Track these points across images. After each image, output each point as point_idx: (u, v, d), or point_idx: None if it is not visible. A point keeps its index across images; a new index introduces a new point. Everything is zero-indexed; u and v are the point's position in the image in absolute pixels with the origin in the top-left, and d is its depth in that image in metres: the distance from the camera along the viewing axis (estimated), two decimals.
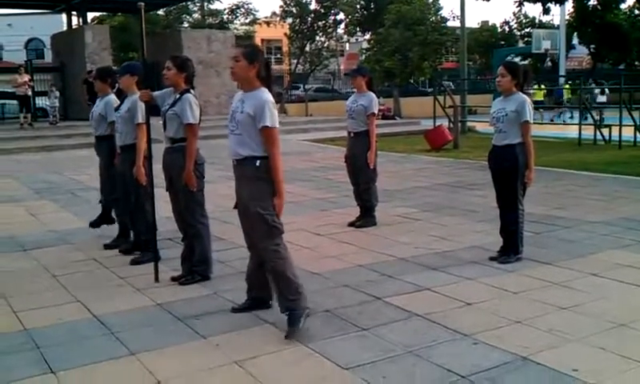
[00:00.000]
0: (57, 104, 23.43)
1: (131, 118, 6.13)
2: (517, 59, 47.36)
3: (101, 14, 39.49)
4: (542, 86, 30.05)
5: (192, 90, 5.50)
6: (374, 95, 7.65)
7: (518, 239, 6.02)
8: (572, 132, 18.30)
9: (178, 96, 5.42)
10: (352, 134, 7.69)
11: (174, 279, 5.56)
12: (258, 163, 4.29)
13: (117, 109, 6.38)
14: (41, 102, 25.46)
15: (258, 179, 4.30)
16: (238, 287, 5.37)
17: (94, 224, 7.29)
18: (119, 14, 38.20)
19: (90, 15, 33.05)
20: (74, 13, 29.25)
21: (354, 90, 7.98)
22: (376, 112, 7.62)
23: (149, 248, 6.05)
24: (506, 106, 5.92)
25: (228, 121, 4.45)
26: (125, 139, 6.24)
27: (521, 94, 5.96)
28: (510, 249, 6.03)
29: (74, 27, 28.53)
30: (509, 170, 5.91)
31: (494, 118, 6.00)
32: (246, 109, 4.28)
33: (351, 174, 7.82)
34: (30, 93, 22.50)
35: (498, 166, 6.04)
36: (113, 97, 6.67)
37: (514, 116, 5.84)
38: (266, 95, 4.32)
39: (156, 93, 5.61)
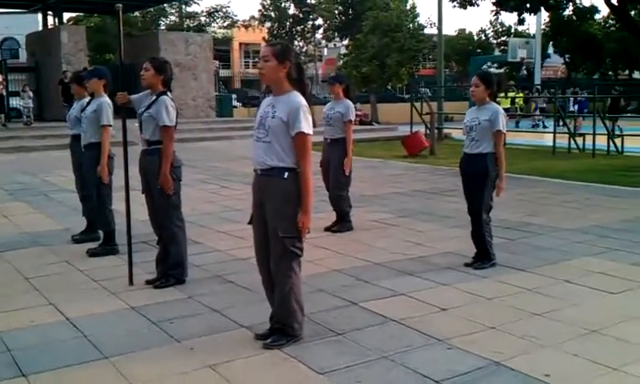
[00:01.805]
0: (31, 104, 23.15)
1: (96, 119, 6.54)
2: (493, 67, 47.97)
3: (77, 14, 39.14)
4: (509, 94, 30.26)
5: (169, 93, 5.47)
6: (350, 103, 7.71)
7: (486, 245, 6.07)
8: (546, 140, 18.50)
9: (154, 98, 5.38)
10: (329, 141, 7.71)
11: (148, 282, 5.52)
12: (286, 175, 3.97)
13: (83, 109, 6.76)
14: (15, 102, 25.14)
15: (284, 194, 3.98)
16: (213, 291, 5.36)
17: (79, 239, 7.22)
18: (95, 14, 37.89)
19: (66, 15, 32.74)
20: (49, 13, 28.95)
21: (332, 96, 8.00)
22: (353, 119, 7.67)
23: (109, 242, 6.63)
24: (480, 116, 5.97)
25: (255, 127, 4.12)
26: (89, 138, 6.62)
27: (494, 104, 6.03)
28: (483, 255, 6.07)
29: (49, 27, 28.25)
30: (477, 177, 5.97)
31: (467, 127, 6.05)
32: (279, 113, 3.95)
33: (326, 179, 7.84)
34: (4, 93, 22.21)
35: (467, 173, 6.11)
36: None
37: (487, 125, 5.89)
38: (300, 99, 3.98)
39: (133, 96, 5.59)
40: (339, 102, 7.68)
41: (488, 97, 6.01)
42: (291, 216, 4.00)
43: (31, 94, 23.43)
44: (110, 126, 6.51)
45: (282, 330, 4.19)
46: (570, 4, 24.50)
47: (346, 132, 7.56)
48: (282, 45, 4.20)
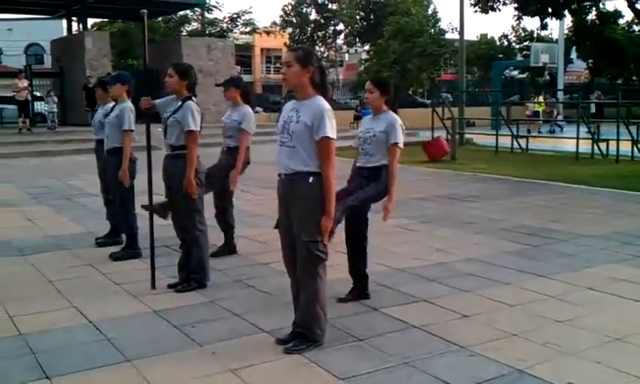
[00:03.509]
0: (55, 109, 23.43)
1: (119, 124, 6.57)
2: (514, 72, 47.72)
3: (101, 20, 39.58)
4: (541, 99, 30.10)
5: (194, 98, 5.51)
6: (248, 110, 6.61)
7: (365, 271, 5.27)
8: (569, 146, 18.34)
9: (179, 103, 5.43)
10: (225, 149, 6.70)
11: (170, 286, 5.55)
12: (310, 180, 3.98)
13: (106, 115, 6.82)
14: (39, 107, 25.48)
15: (309, 199, 4.00)
16: (234, 295, 5.38)
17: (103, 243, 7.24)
18: (119, 20, 38.29)
19: (90, 21, 33.10)
20: (74, 19, 29.32)
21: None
22: (249, 129, 6.51)
23: (132, 246, 6.65)
24: (375, 126, 5.17)
25: (278, 132, 4.12)
26: (111, 143, 6.68)
27: (391, 113, 5.21)
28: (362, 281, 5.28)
29: (73, 33, 28.61)
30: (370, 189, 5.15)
31: (361, 138, 5.23)
32: (303, 118, 3.97)
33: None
34: (29, 98, 22.52)
35: (358, 187, 5.19)
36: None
37: (383, 137, 5.12)
38: (324, 103, 4.01)
39: (157, 101, 5.64)
40: (236, 108, 6.62)
41: (384, 104, 5.20)
42: (316, 220, 4.01)
43: (56, 99, 23.72)
44: (132, 130, 6.55)
45: (303, 335, 4.19)
46: (594, 9, 24.30)
47: (240, 141, 6.48)
48: (305, 49, 4.24)
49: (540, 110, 29.02)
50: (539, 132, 26.87)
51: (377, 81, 5.34)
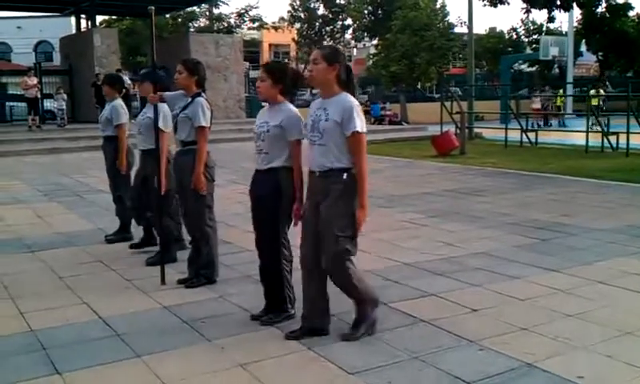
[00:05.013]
0: (64, 106, 23.51)
1: (164, 124, 6.12)
2: (524, 66, 47.41)
3: (109, 17, 39.67)
4: (602, 92, 29.29)
5: (203, 94, 5.52)
6: (166, 107, 6.09)
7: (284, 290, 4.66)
8: (579, 139, 18.26)
9: (190, 99, 5.44)
10: (141, 152, 6.54)
11: (180, 282, 5.57)
12: (345, 176, 4.06)
13: (140, 114, 6.61)
14: (49, 104, 25.58)
15: (342, 194, 4.05)
16: (243, 291, 5.39)
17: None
18: (127, 17, 38.37)
19: (99, 18, 33.16)
20: (82, 16, 29.39)
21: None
22: (165, 129, 6.14)
23: (167, 249, 6.06)
24: (270, 120, 4.49)
25: (307, 131, 4.20)
26: (146, 144, 6.33)
27: (288, 104, 4.51)
28: (277, 303, 4.67)
29: (82, 30, 28.67)
30: (269, 199, 4.60)
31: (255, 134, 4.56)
32: (332, 116, 4.03)
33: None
34: (39, 95, 22.61)
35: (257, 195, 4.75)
36: (120, 101, 7.08)
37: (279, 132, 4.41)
38: (351, 99, 4.09)
39: (167, 93, 5.67)
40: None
41: (280, 94, 4.53)
42: (348, 215, 4.07)
43: (65, 96, 23.78)
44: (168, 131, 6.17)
45: (311, 330, 4.24)
46: (603, 1, 24.12)
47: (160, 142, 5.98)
48: (332, 48, 4.45)
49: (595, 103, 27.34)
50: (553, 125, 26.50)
51: (269, 68, 4.60)
